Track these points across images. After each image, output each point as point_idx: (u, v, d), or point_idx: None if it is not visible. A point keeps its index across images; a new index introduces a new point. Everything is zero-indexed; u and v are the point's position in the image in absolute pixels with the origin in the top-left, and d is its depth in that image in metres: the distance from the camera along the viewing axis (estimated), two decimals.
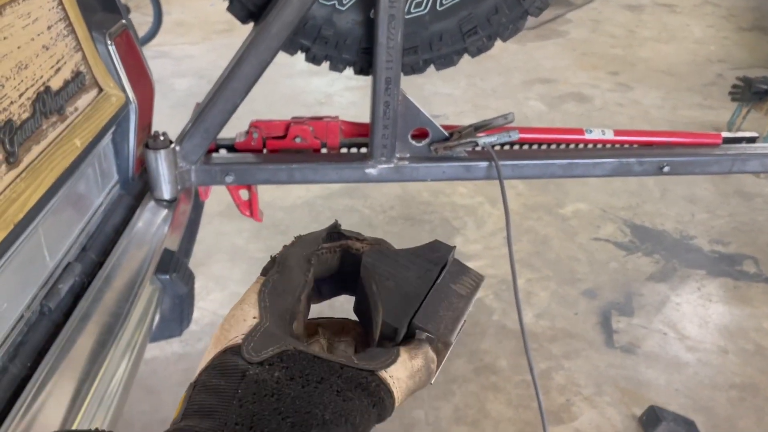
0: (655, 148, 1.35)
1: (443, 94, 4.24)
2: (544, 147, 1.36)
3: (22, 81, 0.99)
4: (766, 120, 3.20)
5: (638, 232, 2.84)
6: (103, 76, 1.25)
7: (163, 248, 1.27)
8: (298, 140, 1.31)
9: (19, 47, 0.99)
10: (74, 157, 1.09)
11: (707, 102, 4.17)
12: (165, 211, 1.31)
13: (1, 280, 0.91)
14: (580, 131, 1.35)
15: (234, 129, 1.40)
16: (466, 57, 1.26)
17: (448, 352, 0.46)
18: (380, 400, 0.40)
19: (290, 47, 1.21)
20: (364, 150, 1.33)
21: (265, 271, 0.46)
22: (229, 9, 1.20)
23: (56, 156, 1.05)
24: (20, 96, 0.98)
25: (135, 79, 1.31)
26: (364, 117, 1.26)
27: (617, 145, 1.37)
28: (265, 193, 2.93)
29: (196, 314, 1.97)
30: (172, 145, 1.22)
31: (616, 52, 5.05)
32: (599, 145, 1.37)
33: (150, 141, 1.20)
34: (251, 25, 1.23)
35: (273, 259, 0.47)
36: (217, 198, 2.66)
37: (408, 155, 1.26)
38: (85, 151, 1.12)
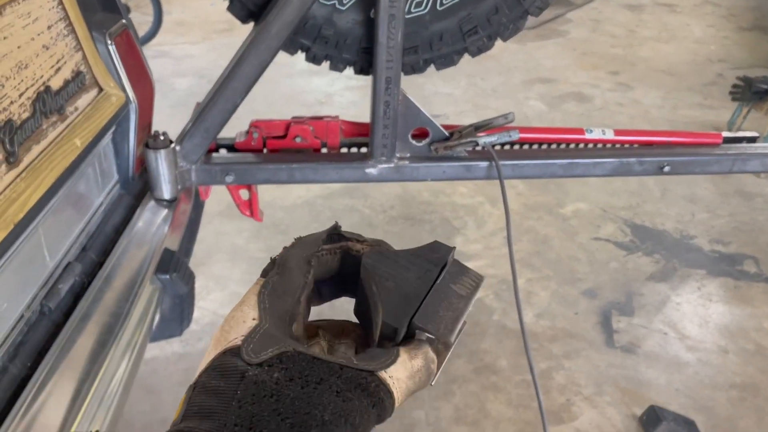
0: (656, 148, 1.35)
1: (443, 94, 4.24)
2: (544, 147, 1.36)
3: (22, 81, 0.99)
4: (767, 120, 3.20)
5: (638, 231, 2.84)
6: (103, 76, 1.25)
7: (163, 248, 1.27)
8: (298, 140, 1.31)
9: (19, 47, 0.99)
10: (74, 156, 1.08)
11: (707, 102, 4.17)
12: (165, 211, 1.31)
13: (1, 280, 0.91)
14: (581, 131, 1.35)
15: (234, 129, 1.40)
16: (466, 57, 1.26)
17: (449, 353, 0.46)
18: (380, 401, 0.40)
19: (290, 47, 1.21)
20: (364, 150, 1.33)
21: (264, 273, 0.46)
22: (230, 9, 1.20)
23: (56, 156, 1.05)
24: (20, 96, 0.98)
25: (135, 79, 1.31)
26: (365, 117, 1.26)
27: (617, 145, 1.37)
28: (266, 192, 2.93)
29: (196, 314, 1.97)
30: (173, 145, 1.22)
31: (617, 51, 5.05)
32: (599, 145, 1.36)
33: (150, 141, 1.20)
34: (251, 24, 1.23)
35: (273, 261, 0.47)
36: (218, 198, 2.66)
37: (408, 155, 1.26)
38: (85, 151, 1.12)
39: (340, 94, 4.19)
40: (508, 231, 1.11)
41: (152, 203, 1.31)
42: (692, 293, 2.47)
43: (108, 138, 1.27)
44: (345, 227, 0.51)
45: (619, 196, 3.08)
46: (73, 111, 1.14)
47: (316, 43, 1.20)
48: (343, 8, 1.16)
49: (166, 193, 1.26)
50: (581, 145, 1.36)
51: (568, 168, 1.30)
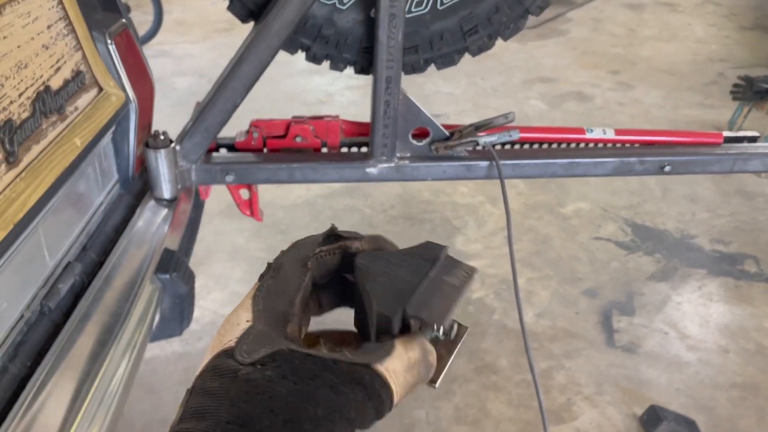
0: (656, 148, 1.35)
1: (444, 94, 4.24)
2: (545, 146, 1.35)
3: (21, 80, 0.99)
4: None
5: (639, 231, 2.83)
6: (103, 76, 1.25)
7: (163, 248, 1.27)
8: (298, 139, 1.31)
9: (18, 46, 0.99)
10: (74, 156, 1.08)
11: (708, 101, 4.16)
12: (165, 211, 1.31)
13: (1, 280, 0.91)
14: (581, 130, 1.34)
15: (234, 128, 1.40)
16: (466, 56, 1.26)
17: (454, 353, 0.46)
18: (376, 393, 0.39)
19: (291, 46, 1.21)
20: (364, 149, 1.33)
21: (261, 278, 0.47)
22: (230, 8, 1.20)
23: (56, 155, 1.04)
24: (20, 95, 0.98)
25: (135, 79, 1.31)
26: (365, 116, 1.26)
27: (618, 145, 1.36)
28: (266, 192, 2.93)
29: (196, 313, 1.97)
30: (173, 145, 1.22)
31: (617, 51, 5.05)
32: (600, 145, 1.36)
33: (150, 140, 1.20)
34: (251, 24, 1.22)
35: (269, 266, 0.47)
36: (218, 197, 2.66)
37: (408, 154, 1.26)
38: (85, 151, 1.12)
39: (341, 94, 4.19)
40: (508, 230, 1.11)
41: (152, 203, 1.31)
42: (693, 293, 2.47)
43: (108, 137, 1.27)
44: (345, 227, 0.51)
45: (620, 195, 3.08)
46: (72, 111, 1.14)
47: (317, 42, 1.20)
48: (344, 8, 1.16)
49: (166, 192, 1.26)
50: (582, 145, 1.36)
51: (568, 167, 1.30)
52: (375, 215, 2.87)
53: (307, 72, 4.41)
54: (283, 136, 1.32)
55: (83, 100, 1.18)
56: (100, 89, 1.25)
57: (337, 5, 1.15)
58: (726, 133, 1.39)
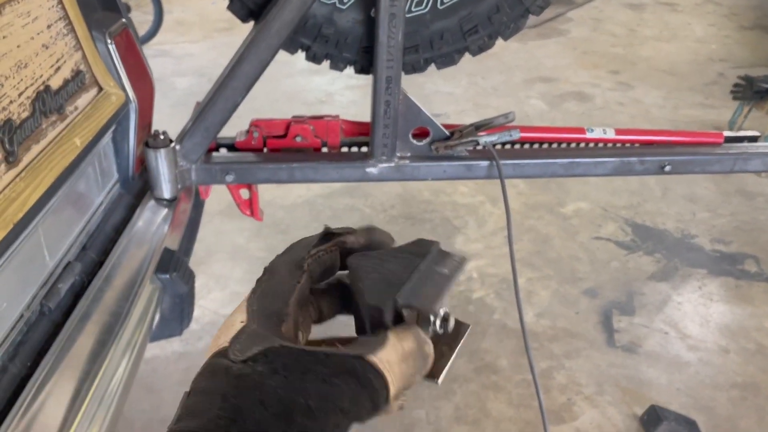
0: (657, 147, 1.35)
1: (444, 93, 4.24)
2: (545, 146, 1.35)
3: (21, 80, 0.99)
4: None
5: (639, 231, 2.83)
6: (102, 75, 1.25)
7: (163, 247, 1.27)
8: (298, 139, 1.31)
9: (18, 46, 0.99)
10: (74, 156, 1.08)
11: (708, 101, 4.16)
12: (165, 210, 1.31)
13: (0, 280, 0.91)
14: (581, 130, 1.34)
15: (235, 128, 1.40)
16: (467, 56, 1.26)
17: (456, 350, 0.46)
18: (369, 383, 0.39)
19: (291, 46, 1.21)
20: (364, 149, 1.33)
21: (258, 282, 0.47)
22: (230, 7, 1.20)
23: (56, 155, 1.04)
24: (20, 95, 0.98)
25: (135, 78, 1.30)
26: (365, 116, 1.26)
27: (618, 144, 1.36)
28: (266, 192, 2.93)
29: (196, 313, 1.97)
30: (173, 144, 1.22)
31: (617, 50, 5.05)
32: (600, 144, 1.36)
33: (150, 140, 1.20)
34: (252, 23, 1.22)
35: (265, 270, 0.47)
36: (218, 197, 2.66)
37: (409, 154, 1.25)
38: (84, 150, 1.12)
39: (341, 93, 4.19)
40: (508, 230, 1.11)
41: (152, 202, 1.31)
42: (693, 293, 2.47)
43: (108, 137, 1.27)
44: (345, 226, 0.51)
45: (620, 195, 3.08)
46: (72, 110, 1.14)
47: (317, 42, 1.19)
48: (344, 7, 1.15)
49: (166, 192, 1.26)
50: (582, 145, 1.36)
51: (569, 167, 1.30)
52: (375, 215, 2.87)
53: (307, 71, 4.41)
54: (283, 136, 1.32)
55: (83, 99, 1.18)
56: (100, 89, 1.25)
57: (338, 5, 1.15)
58: (726, 133, 1.38)
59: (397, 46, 1.12)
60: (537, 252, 2.67)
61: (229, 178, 1.26)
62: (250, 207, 1.43)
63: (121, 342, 1.06)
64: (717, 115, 3.93)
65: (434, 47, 1.21)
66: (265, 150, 1.33)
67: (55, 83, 1.09)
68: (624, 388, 2.03)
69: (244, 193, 1.42)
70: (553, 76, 4.54)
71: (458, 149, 1.24)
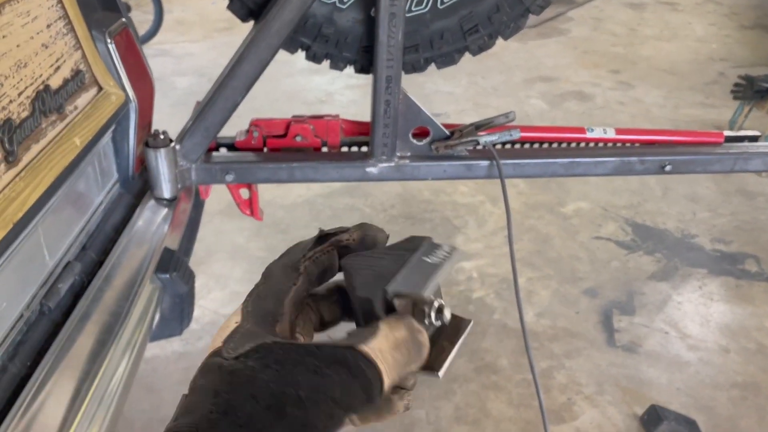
0: (657, 147, 1.35)
1: (444, 93, 4.24)
2: (545, 146, 1.35)
3: (21, 79, 0.99)
4: None
5: (640, 230, 2.83)
6: (102, 75, 1.25)
7: (163, 247, 1.27)
8: (298, 139, 1.31)
9: (18, 46, 0.99)
10: (74, 155, 1.08)
11: (709, 100, 4.16)
12: (165, 210, 1.31)
13: (0, 279, 0.91)
14: (582, 130, 1.34)
15: (235, 127, 1.40)
16: (467, 55, 1.26)
17: (457, 344, 0.45)
18: (360, 371, 0.38)
19: (290, 45, 1.21)
20: (364, 149, 1.32)
21: (255, 286, 0.47)
22: (230, 7, 1.19)
23: (56, 155, 1.04)
24: (19, 95, 0.98)
25: (135, 78, 1.30)
26: (365, 115, 1.26)
27: (619, 144, 1.36)
28: (266, 191, 2.93)
29: (196, 313, 1.97)
30: (173, 144, 1.22)
31: (618, 50, 5.04)
32: (601, 144, 1.36)
33: (150, 139, 1.20)
34: (252, 23, 1.22)
35: (262, 274, 0.48)
36: (218, 196, 2.66)
37: (409, 154, 1.25)
38: (84, 150, 1.12)
39: (341, 93, 4.19)
40: (509, 230, 1.11)
41: (152, 202, 1.31)
42: (693, 292, 2.47)
43: (108, 137, 1.27)
44: (339, 226, 0.52)
45: (620, 195, 3.08)
46: (72, 110, 1.14)
47: (317, 41, 1.19)
48: (344, 7, 1.15)
49: (166, 192, 1.26)
50: (582, 144, 1.36)
51: (569, 167, 1.30)
52: (375, 214, 2.87)
53: (307, 71, 4.41)
54: (283, 136, 1.31)
55: (83, 99, 1.18)
56: (100, 88, 1.24)
57: (338, 4, 1.15)
58: (727, 133, 1.38)
59: (397, 45, 1.12)
60: (537, 252, 2.67)
61: (229, 177, 1.26)
62: (250, 207, 1.43)
63: (121, 342, 1.06)
64: (717, 115, 3.93)
65: (434, 47, 1.21)
66: (265, 149, 1.33)
67: (55, 83, 1.09)
68: (624, 388, 2.03)
69: (244, 193, 1.42)
70: (554, 76, 4.54)
71: (458, 149, 1.24)
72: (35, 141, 1.01)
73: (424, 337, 0.43)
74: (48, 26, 1.09)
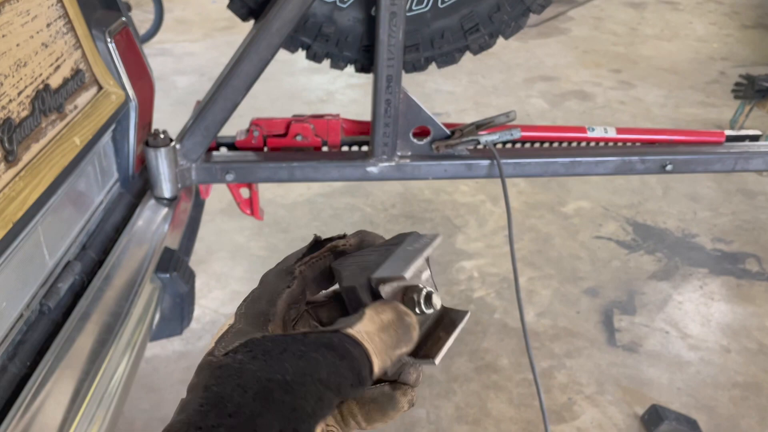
0: (658, 146, 1.35)
1: (445, 92, 4.23)
2: (546, 145, 1.35)
3: (21, 79, 0.99)
4: None
5: (640, 230, 2.83)
6: (102, 74, 1.25)
7: (163, 247, 1.27)
8: (299, 138, 1.30)
9: (18, 45, 0.99)
10: (74, 155, 1.08)
11: (710, 100, 4.16)
12: (165, 210, 1.31)
13: (0, 279, 0.91)
14: (583, 129, 1.34)
15: (235, 127, 1.40)
16: (467, 54, 1.26)
17: (454, 334, 0.45)
18: (348, 353, 0.38)
19: (291, 45, 1.21)
20: (365, 148, 1.32)
21: (251, 292, 0.48)
22: (230, 6, 1.19)
23: (55, 154, 1.04)
24: (19, 94, 0.98)
25: (135, 77, 1.30)
26: (366, 115, 1.25)
27: (620, 143, 1.36)
28: (266, 191, 2.93)
29: (197, 312, 1.97)
30: (173, 143, 1.22)
31: (619, 49, 5.04)
32: (602, 143, 1.36)
33: (150, 139, 1.20)
34: (252, 22, 1.22)
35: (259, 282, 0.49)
36: (219, 195, 2.66)
37: (409, 153, 1.25)
38: (84, 150, 1.12)
39: (342, 92, 4.19)
40: (509, 229, 1.11)
41: (152, 202, 1.31)
42: (694, 292, 2.46)
43: (108, 136, 1.27)
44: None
45: (621, 194, 3.07)
46: (72, 109, 1.14)
47: (317, 41, 1.19)
48: (344, 6, 1.15)
49: (167, 191, 1.26)
50: (583, 144, 1.36)
51: (570, 166, 1.30)
52: (376, 214, 2.87)
53: (307, 70, 4.40)
54: (284, 135, 1.31)
55: (83, 98, 1.18)
56: (100, 88, 1.24)
57: (338, 3, 1.15)
58: (728, 132, 1.38)
59: (398, 44, 1.12)
60: (538, 251, 2.66)
61: (230, 177, 1.26)
62: (251, 206, 1.43)
63: (121, 341, 1.06)
64: (718, 114, 3.93)
65: (435, 46, 1.20)
66: (265, 149, 1.33)
67: (55, 82, 1.09)
68: (625, 388, 2.03)
69: (245, 192, 1.42)
70: (554, 75, 4.53)
71: (459, 148, 1.23)
72: (35, 140, 1.01)
73: (412, 319, 0.43)
74: (48, 25, 1.09)
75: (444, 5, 1.16)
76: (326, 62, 1.26)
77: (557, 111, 4.01)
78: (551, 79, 4.47)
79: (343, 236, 0.51)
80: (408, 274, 0.43)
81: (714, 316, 2.34)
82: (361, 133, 1.34)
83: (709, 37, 5.35)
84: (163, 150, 1.20)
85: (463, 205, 2.98)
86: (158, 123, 1.40)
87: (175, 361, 2.10)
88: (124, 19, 1.30)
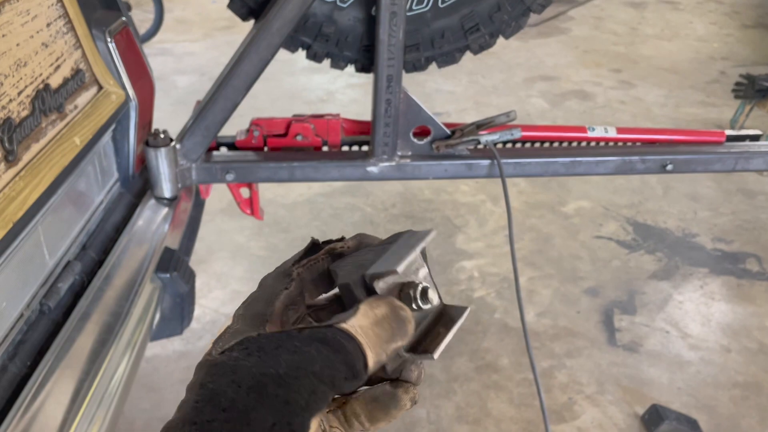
0: (658, 146, 1.35)
1: (445, 92, 4.23)
2: (546, 145, 1.35)
3: (21, 78, 0.98)
4: None
5: (641, 230, 2.83)
6: (102, 74, 1.24)
7: (163, 246, 1.26)
8: (299, 138, 1.30)
9: (18, 45, 0.99)
10: (74, 155, 1.08)
11: (710, 99, 4.15)
12: (165, 210, 1.31)
13: (0, 279, 0.91)
14: (583, 129, 1.34)
15: (235, 126, 1.40)
16: (468, 54, 1.25)
17: (453, 329, 0.45)
18: (341, 346, 0.39)
19: (291, 45, 1.21)
20: (365, 148, 1.32)
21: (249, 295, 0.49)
22: (230, 6, 1.19)
23: (56, 154, 1.04)
24: (19, 94, 0.98)
25: (135, 77, 1.30)
26: (366, 114, 1.25)
27: (620, 143, 1.36)
28: (267, 190, 2.93)
29: (197, 312, 1.97)
30: (173, 143, 1.22)
31: (619, 49, 5.04)
32: (602, 143, 1.36)
33: (150, 139, 1.20)
34: (252, 22, 1.22)
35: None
36: (219, 195, 2.66)
37: (410, 153, 1.25)
38: (84, 149, 1.12)
39: (342, 92, 4.19)
40: (509, 229, 1.11)
41: (152, 202, 1.31)
42: (694, 292, 2.46)
43: (108, 136, 1.27)
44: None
45: (621, 194, 3.07)
46: (72, 109, 1.14)
47: (317, 40, 1.19)
48: (344, 6, 1.15)
49: (167, 191, 1.26)
50: (583, 144, 1.36)
51: (570, 166, 1.30)
52: (376, 214, 2.87)
53: (308, 70, 4.40)
54: (284, 135, 1.31)
55: (83, 98, 1.18)
56: (100, 87, 1.24)
57: (338, 3, 1.15)
58: (728, 132, 1.38)
59: (398, 44, 1.12)
60: (538, 251, 2.66)
61: (230, 177, 1.26)
62: (251, 206, 1.43)
63: (122, 341, 1.06)
64: (719, 114, 3.93)
65: (435, 46, 1.20)
66: (265, 149, 1.33)
67: (55, 82, 1.09)
68: (625, 387, 2.03)
69: (245, 192, 1.42)
70: (555, 75, 4.53)
71: (459, 148, 1.23)
72: (35, 140, 1.01)
73: (407, 313, 0.43)
74: (48, 25, 1.09)
75: (444, 5, 1.16)
76: (326, 62, 1.26)
77: (557, 111, 4.00)
78: (551, 79, 4.47)
79: (342, 239, 0.51)
80: (400, 268, 0.43)
81: (714, 315, 2.34)
82: (362, 132, 1.34)
83: (709, 36, 5.35)
84: (163, 150, 1.20)
85: (464, 204, 2.98)
86: (158, 123, 1.40)
87: (176, 360, 2.10)
88: (124, 18, 1.30)
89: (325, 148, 1.33)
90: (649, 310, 2.36)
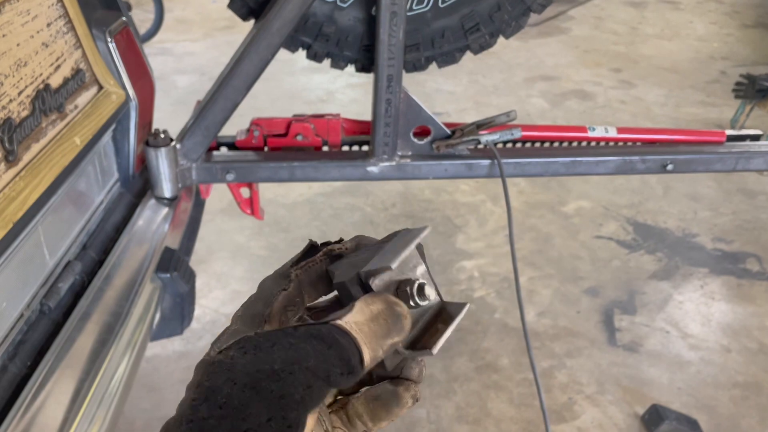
0: (659, 146, 1.35)
1: (445, 92, 4.23)
2: (546, 145, 1.35)
3: (21, 78, 0.98)
4: None
5: (641, 230, 2.83)
6: (103, 74, 1.24)
7: (163, 246, 1.26)
8: (299, 138, 1.30)
9: (18, 44, 0.99)
10: (74, 155, 1.08)
11: (710, 99, 4.15)
12: (166, 209, 1.31)
13: (0, 279, 0.91)
14: (583, 129, 1.34)
15: (236, 126, 1.40)
16: (468, 54, 1.25)
17: (452, 325, 0.45)
18: (336, 342, 0.39)
19: (291, 44, 1.21)
20: (365, 148, 1.32)
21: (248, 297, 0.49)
22: (230, 6, 1.19)
23: (56, 154, 1.04)
24: (19, 94, 0.98)
25: (135, 77, 1.30)
26: (366, 114, 1.25)
27: (620, 143, 1.36)
28: (267, 190, 2.93)
29: (197, 312, 1.97)
30: (173, 143, 1.22)
31: (619, 49, 5.04)
32: (602, 143, 1.36)
33: (150, 139, 1.20)
34: (252, 22, 1.22)
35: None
36: (219, 195, 2.66)
37: (410, 153, 1.25)
38: (85, 149, 1.12)
39: (342, 92, 4.19)
40: (510, 229, 1.11)
41: (153, 201, 1.31)
42: (695, 292, 2.46)
43: (108, 136, 1.27)
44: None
45: (622, 194, 3.07)
46: (72, 109, 1.14)
47: (317, 40, 1.19)
48: (345, 5, 1.15)
49: (167, 191, 1.26)
50: (584, 143, 1.36)
51: (570, 166, 1.30)
52: (376, 214, 2.87)
53: (308, 70, 4.40)
54: (284, 135, 1.31)
55: (83, 98, 1.18)
56: (100, 87, 1.24)
57: (338, 3, 1.15)
58: (728, 132, 1.38)
59: (398, 44, 1.12)
60: (538, 251, 2.66)
61: (230, 176, 1.26)
62: (251, 205, 1.43)
63: (122, 341, 1.06)
64: (719, 114, 3.93)
65: (435, 45, 1.20)
66: (265, 149, 1.33)
67: (55, 82, 1.09)
68: (625, 387, 2.03)
69: (245, 192, 1.42)
70: (555, 75, 4.53)
71: (459, 148, 1.23)
72: (35, 140, 1.01)
73: (403, 309, 0.43)
74: (48, 25, 1.09)
75: (444, 5, 1.16)
76: (327, 62, 1.26)
77: (558, 110, 4.00)
78: (552, 79, 4.47)
79: (340, 241, 0.51)
80: (395, 264, 0.43)
81: (714, 315, 2.34)
82: (362, 132, 1.34)
83: (709, 36, 5.35)
84: (163, 150, 1.20)
85: (464, 204, 2.98)
86: (158, 123, 1.40)
87: (176, 360, 2.10)
88: (124, 18, 1.30)
89: (325, 148, 1.33)
90: (649, 310, 2.36)
